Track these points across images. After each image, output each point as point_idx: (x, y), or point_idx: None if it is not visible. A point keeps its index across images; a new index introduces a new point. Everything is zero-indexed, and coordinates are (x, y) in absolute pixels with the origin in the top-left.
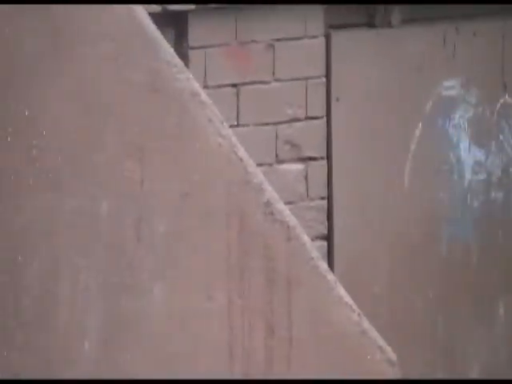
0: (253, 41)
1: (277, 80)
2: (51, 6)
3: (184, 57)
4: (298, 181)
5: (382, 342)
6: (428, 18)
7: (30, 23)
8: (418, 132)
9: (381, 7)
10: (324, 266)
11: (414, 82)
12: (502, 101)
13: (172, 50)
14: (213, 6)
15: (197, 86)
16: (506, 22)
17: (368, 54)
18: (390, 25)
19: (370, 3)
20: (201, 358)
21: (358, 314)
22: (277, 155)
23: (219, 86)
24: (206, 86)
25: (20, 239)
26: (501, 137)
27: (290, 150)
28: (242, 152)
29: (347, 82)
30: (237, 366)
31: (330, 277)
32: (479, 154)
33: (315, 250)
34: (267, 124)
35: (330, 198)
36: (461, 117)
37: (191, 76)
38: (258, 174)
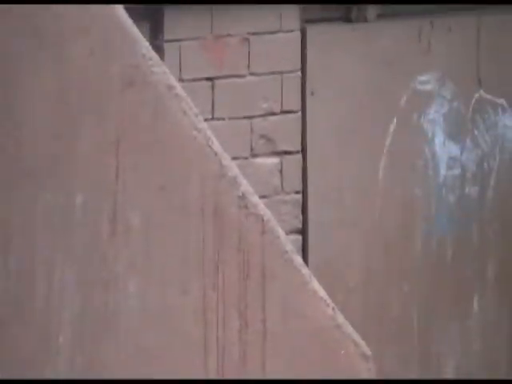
0: (228, 34)
1: (252, 74)
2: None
3: (159, 50)
4: (272, 175)
5: (356, 336)
6: (403, 12)
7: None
8: (392, 127)
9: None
10: (299, 259)
11: (389, 76)
12: (476, 96)
13: (147, 44)
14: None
15: (172, 79)
16: (481, 17)
17: (343, 48)
18: (365, 19)
19: (344, 3)
20: (175, 352)
21: (333, 308)
22: (252, 149)
23: (194, 80)
24: (181, 80)
25: None
26: (476, 132)
27: (265, 143)
28: (216, 145)
29: (322, 76)
30: (211, 359)
31: (305, 270)
32: (454, 149)
33: (290, 244)
34: (242, 118)
35: (304, 192)
36: (436, 112)
37: (167, 69)
38: (233, 168)
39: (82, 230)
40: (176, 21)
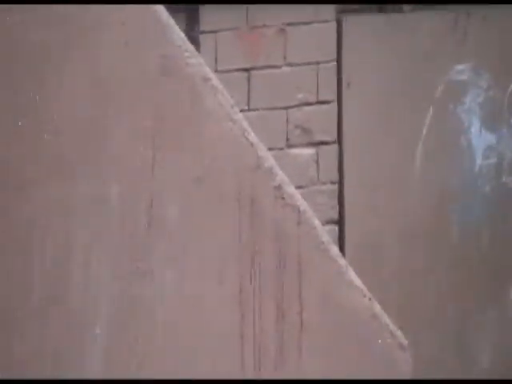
0: (264, 25)
1: (288, 64)
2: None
3: (195, 41)
4: (308, 165)
5: (392, 326)
6: (439, 2)
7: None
8: (429, 116)
9: None
10: (335, 250)
11: (425, 66)
12: None
13: (183, 35)
14: None
15: (208, 70)
16: None
17: (379, 39)
18: (401, 10)
19: None
20: (212, 342)
21: (369, 299)
22: (288, 139)
23: (230, 71)
24: (216, 71)
25: (33, 226)
26: None
27: (301, 134)
28: (252, 136)
29: (358, 66)
30: (248, 350)
31: (341, 261)
32: (490, 138)
33: (326, 234)
34: (278, 108)
35: (340, 182)
36: (472, 101)
37: (202, 61)
38: (269, 159)
39: (119, 221)
40: (212, 12)
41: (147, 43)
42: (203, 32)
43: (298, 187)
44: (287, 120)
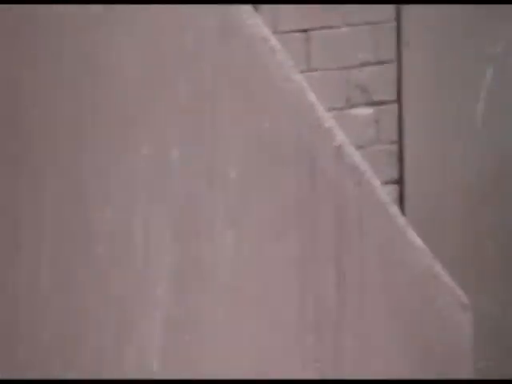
0: None
1: (347, 25)
2: None
3: (254, 2)
4: (368, 125)
5: (454, 285)
6: None
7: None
8: (489, 75)
9: None
10: (395, 209)
11: (486, 23)
12: None
13: None
14: None
15: (267, 31)
16: None
17: None
18: None
19: None
20: (272, 304)
21: (430, 258)
22: (347, 100)
23: (289, 31)
24: (275, 32)
25: (92, 187)
26: None
27: (361, 94)
28: (312, 97)
29: (417, 25)
30: (309, 312)
31: (401, 221)
32: None
33: (386, 195)
34: (337, 69)
35: (400, 142)
36: None
37: (261, 21)
38: (329, 119)
39: (179, 182)
40: None
41: (206, 4)
42: None
43: (358, 147)
44: (346, 80)
